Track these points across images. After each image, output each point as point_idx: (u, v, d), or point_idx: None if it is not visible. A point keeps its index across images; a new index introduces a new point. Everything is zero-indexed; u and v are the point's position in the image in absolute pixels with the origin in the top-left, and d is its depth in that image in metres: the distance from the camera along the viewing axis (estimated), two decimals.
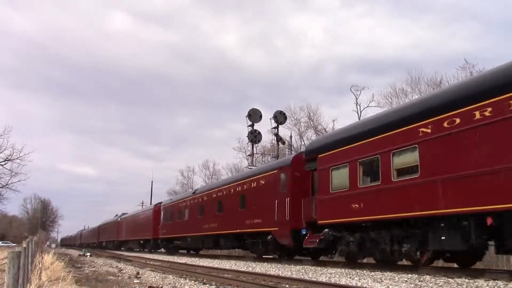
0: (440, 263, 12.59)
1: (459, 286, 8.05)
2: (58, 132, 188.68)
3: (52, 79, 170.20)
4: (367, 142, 12.51)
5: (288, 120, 38.15)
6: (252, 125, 34.11)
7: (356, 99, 37.71)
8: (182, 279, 11.10)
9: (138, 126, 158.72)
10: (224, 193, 22.67)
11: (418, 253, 11.20)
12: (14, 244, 57.12)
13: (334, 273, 11.37)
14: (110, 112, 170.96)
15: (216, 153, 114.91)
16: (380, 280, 9.34)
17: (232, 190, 21.77)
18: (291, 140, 39.23)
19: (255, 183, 19.42)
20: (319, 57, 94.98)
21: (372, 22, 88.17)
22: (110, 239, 56.16)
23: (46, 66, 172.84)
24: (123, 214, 52.47)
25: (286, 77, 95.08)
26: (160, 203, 37.18)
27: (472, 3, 74.91)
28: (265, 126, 51.24)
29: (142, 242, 40.87)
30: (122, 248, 48.67)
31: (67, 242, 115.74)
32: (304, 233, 15.32)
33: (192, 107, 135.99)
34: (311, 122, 41.42)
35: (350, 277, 10.15)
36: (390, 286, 8.39)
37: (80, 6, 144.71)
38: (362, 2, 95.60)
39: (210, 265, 16.91)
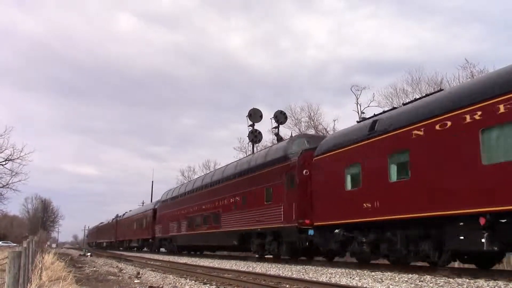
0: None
1: (459, 286, 8.05)
2: (60, 132, 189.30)
3: (56, 80, 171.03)
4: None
5: (288, 120, 38.12)
6: (252, 125, 34.06)
7: (357, 99, 37.74)
8: (183, 279, 11.11)
9: (141, 126, 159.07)
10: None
11: None
12: (14, 244, 57.03)
13: (334, 273, 11.37)
14: (113, 112, 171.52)
15: (219, 153, 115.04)
16: (380, 280, 9.34)
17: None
18: None
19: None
20: (324, 58, 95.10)
21: (377, 24, 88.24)
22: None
23: (50, 67, 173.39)
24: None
25: (290, 78, 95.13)
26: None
27: (476, 5, 74.85)
28: (265, 126, 51.23)
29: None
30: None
31: (101, 239, 67.24)
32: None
33: (196, 107, 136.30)
34: (312, 122, 41.45)
35: (350, 277, 10.15)
36: (391, 286, 8.39)
37: (86, 7, 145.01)
38: (367, 4, 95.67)
39: (211, 265, 16.93)
